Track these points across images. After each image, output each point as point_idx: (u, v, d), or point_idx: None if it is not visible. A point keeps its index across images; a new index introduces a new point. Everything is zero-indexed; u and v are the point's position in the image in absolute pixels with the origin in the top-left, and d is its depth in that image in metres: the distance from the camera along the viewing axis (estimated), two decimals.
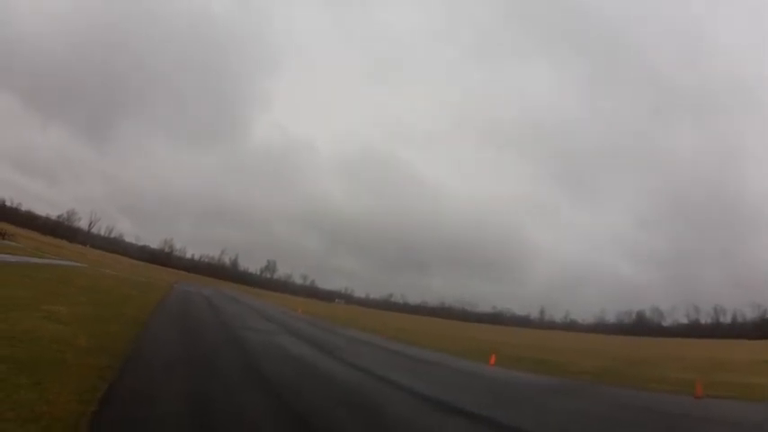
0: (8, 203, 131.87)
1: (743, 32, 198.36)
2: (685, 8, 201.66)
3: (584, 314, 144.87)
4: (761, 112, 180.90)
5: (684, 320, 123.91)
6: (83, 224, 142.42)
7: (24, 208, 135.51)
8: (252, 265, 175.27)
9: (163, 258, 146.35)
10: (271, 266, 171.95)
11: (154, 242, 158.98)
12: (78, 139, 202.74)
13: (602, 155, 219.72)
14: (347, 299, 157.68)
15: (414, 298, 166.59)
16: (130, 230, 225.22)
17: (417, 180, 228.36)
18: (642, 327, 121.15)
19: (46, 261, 34.22)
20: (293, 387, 9.49)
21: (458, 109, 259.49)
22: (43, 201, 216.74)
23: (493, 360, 21.27)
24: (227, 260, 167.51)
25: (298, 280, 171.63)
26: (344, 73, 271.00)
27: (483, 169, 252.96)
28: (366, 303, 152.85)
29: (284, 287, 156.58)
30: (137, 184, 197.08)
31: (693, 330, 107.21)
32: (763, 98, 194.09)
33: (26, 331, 8.94)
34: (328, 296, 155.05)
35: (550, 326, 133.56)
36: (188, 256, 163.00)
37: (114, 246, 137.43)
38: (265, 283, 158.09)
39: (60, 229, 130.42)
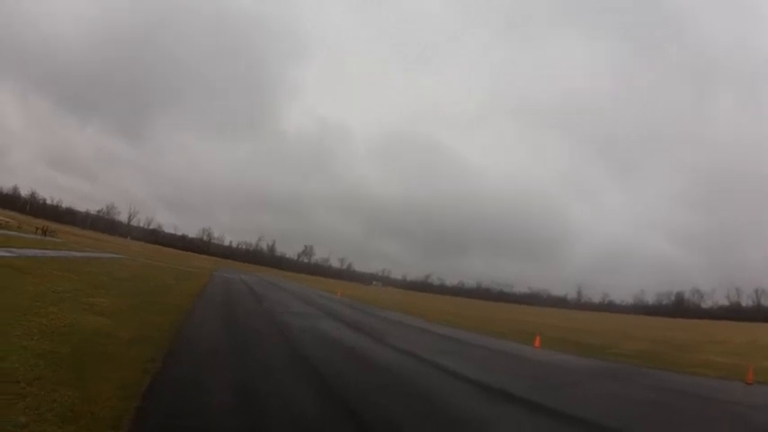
0: (48, 201, 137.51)
1: None
2: None
3: (623, 295, 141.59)
4: None
5: (725, 302, 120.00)
6: (122, 217, 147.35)
7: (65, 205, 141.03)
8: (289, 250, 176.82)
9: (201, 246, 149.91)
10: (308, 251, 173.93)
11: (192, 231, 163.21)
12: (114, 135, 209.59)
13: (643, 133, 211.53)
14: (384, 281, 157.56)
15: (451, 279, 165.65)
16: (169, 221, 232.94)
17: (453, 161, 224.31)
18: (682, 308, 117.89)
19: (86, 254, 35.14)
20: (342, 375, 9.20)
21: (492, 89, 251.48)
22: (83, 197, 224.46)
23: (537, 342, 20.81)
24: (264, 246, 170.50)
25: (335, 263, 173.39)
26: (375, 56, 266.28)
27: (520, 149, 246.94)
28: (403, 285, 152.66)
29: (321, 271, 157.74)
30: (174, 176, 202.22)
31: (734, 313, 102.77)
32: None
33: (67, 325, 8.86)
34: (365, 278, 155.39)
35: (588, 307, 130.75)
36: (226, 243, 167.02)
37: (154, 236, 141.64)
38: (303, 267, 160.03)
39: (100, 224, 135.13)
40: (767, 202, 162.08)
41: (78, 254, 33.27)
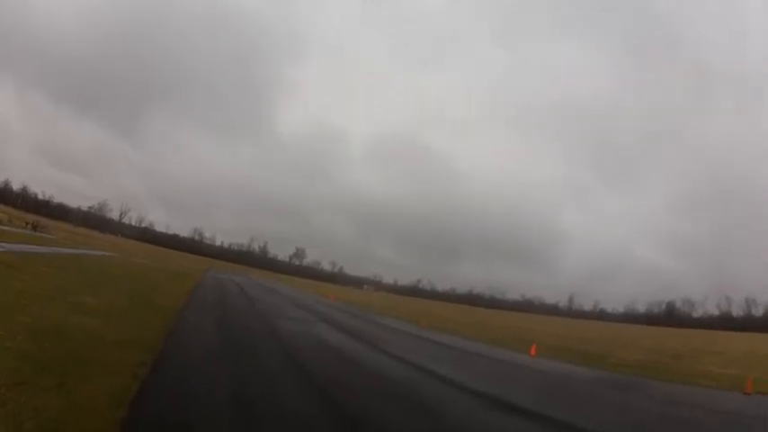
0: (40, 196, 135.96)
1: None
2: None
3: (614, 303, 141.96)
4: None
5: (715, 311, 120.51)
6: (114, 215, 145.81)
7: (57, 200, 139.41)
8: (281, 252, 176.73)
9: (193, 246, 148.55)
10: (299, 253, 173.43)
11: (184, 231, 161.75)
12: (110, 131, 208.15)
13: (636, 140, 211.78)
14: (376, 285, 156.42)
15: (442, 284, 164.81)
16: (161, 219, 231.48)
17: (447, 166, 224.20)
18: (672, 317, 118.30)
19: (76, 251, 34.55)
20: (341, 384, 8.86)
21: (487, 93, 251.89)
22: (76, 193, 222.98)
23: (534, 350, 20.60)
24: (256, 247, 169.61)
25: (326, 266, 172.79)
26: (372, 60, 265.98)
27: (513, 155, 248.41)
28: (394, 290, 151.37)
29: (312, 274, 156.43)
30: (168, 175, 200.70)
31: (724, 322, 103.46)
32: None
33: (53, 325, 8.42)
34: (357, 282, 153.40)
35: (580, 315, 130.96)
36: (217, 243, 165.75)
37: (145, 234, 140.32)
38: (294, 269, 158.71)
39: (92, 220, 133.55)
40: (758, 211, 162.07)
41: (68, 251, 32.69)
